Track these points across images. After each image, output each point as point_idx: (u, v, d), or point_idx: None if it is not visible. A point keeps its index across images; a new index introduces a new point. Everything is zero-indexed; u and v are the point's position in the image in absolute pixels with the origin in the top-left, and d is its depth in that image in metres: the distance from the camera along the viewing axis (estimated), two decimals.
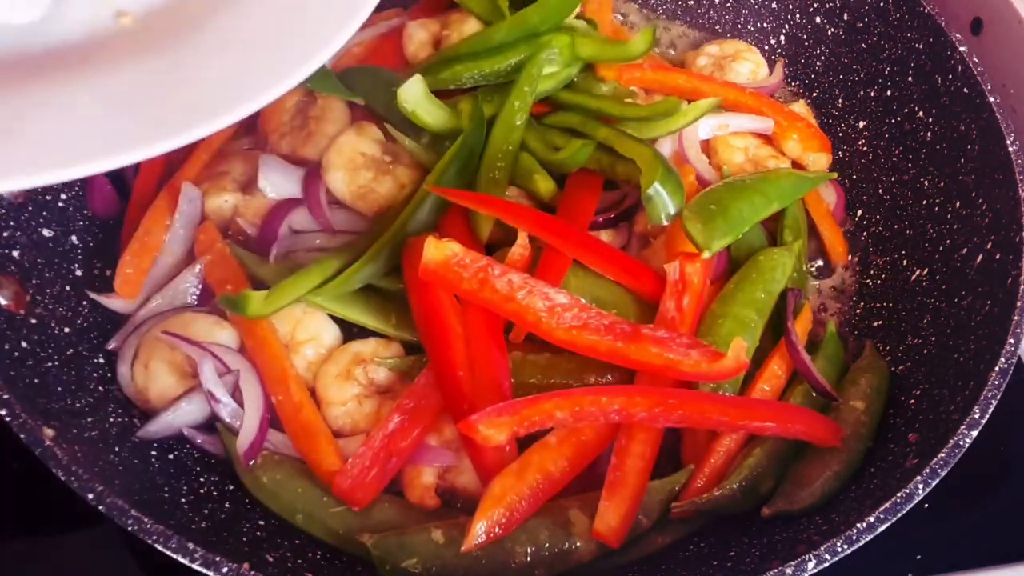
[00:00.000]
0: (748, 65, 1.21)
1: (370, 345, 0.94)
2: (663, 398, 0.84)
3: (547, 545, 0.82)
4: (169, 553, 0.71)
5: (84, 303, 0.95)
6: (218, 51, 0.72)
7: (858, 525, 0.74)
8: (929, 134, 1.09)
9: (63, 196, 0.98)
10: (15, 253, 0.89)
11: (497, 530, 0.80)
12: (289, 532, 0.84)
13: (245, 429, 0.88)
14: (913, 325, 1.01)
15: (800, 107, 1.21)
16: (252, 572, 0.70)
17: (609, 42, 1.09)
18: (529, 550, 0.81)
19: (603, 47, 1.07)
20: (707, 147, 1.13)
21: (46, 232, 0.94)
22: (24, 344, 0.84)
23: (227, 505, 0.85)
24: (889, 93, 1.15)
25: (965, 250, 0.98)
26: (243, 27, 0.74)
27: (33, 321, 0.87)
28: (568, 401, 0.82)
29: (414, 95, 0.98)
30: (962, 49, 1.04)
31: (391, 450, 0.84)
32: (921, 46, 1.10)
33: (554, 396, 0.82)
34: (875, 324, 1.06)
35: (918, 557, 0.97)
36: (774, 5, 1.29)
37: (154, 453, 0.87)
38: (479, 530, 0.79)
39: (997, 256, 0.93)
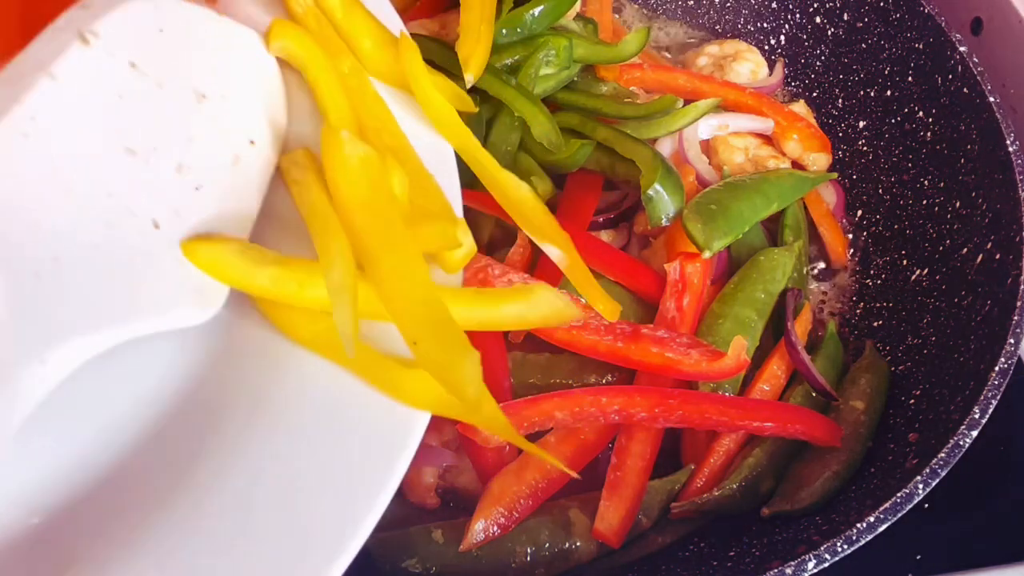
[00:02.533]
0: (748, 65, 1.21)
1: None
2: (663, 398, 0.84)
3: (547, 545, 0.82)
4: None
5: None
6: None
7: (858, 525, 0.74)
8: (929, 134, 1.09)
9: None
10: None
11: (496, 530, 0.80)
12: None
13: None
14: (913, 325, 1.01)
15: (800, 107, 1.21)
16: None
17: (601, 43, 1.09)
18: (529, 550, 0.81)
19: (595, 48, 1.07)
20: (707, 147, 1.13)
21: None
22: None
23: None
24: (889, 93, 1.15)
25: (965, 250, 0.98)
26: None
27: None
28: (568, 401, 0.82)
29: None
30: (962, 49, 1.04)
31: None
32: (921, 46, 1.10)
33: (554, 396, 0.82)
34: (875, 324, 1.06)
35: (918, 557, 0.97)
36: (774, 5, 1.29)
37: None
38: (477, 529, 0.79)
39: (997, 256, 0.93)
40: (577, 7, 1.11)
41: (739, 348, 0.84)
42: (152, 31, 0.68)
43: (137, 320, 0.61)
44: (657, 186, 0.91)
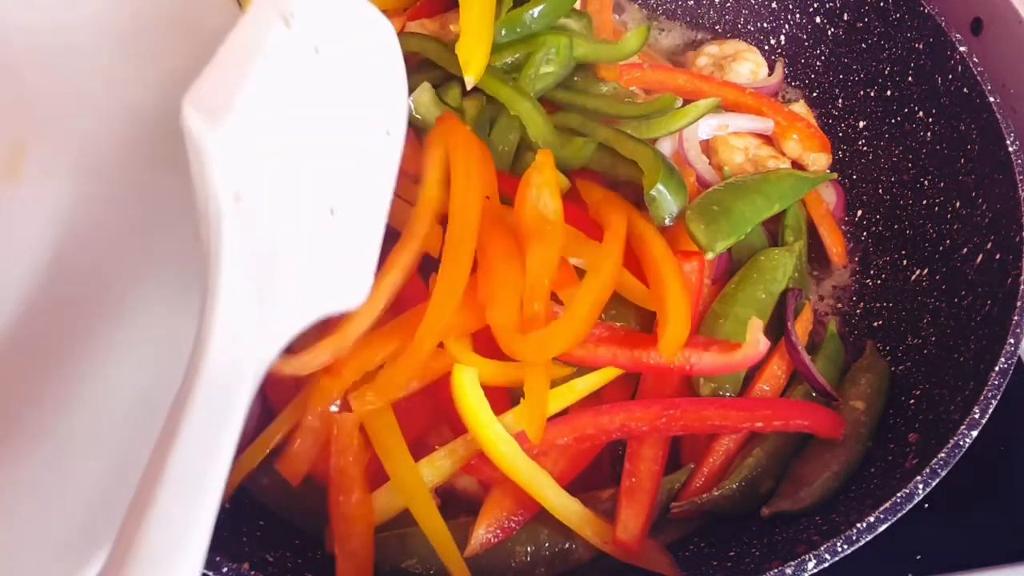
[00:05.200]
0: (748, 65, 1.21)
1: None
2: (664, 409, 0.84)
3: (547, 545, 0.82)
4: None
5: None
6: None
7: (858, 525, 0.74)
8: (929, 134, 1.09)
9: None
10: None
11: (500, 534, 0.80)
12: (289, 532, 0.84)
13: (244, 430, 0.87)
14: (913, 325, 1.01)
15: (800, 107, 1.20)
16: (252, 572, 0.70)
17: (601, 41, 1.09)
18: (529, 549, 0.81)
19: (596, 46, 1.07)
20: (707, 147, 1.13)
21: None
22: None
23: (227, 505, 0.85)
24: (889, 93, 1.15)
25: (965, 250, 0.98)
26: None
27: None
28: (569, 427, 0.83)
29: (425, 103, 0.98)
30: (962, 49, 1.04)
31: None
32: (921, 46, 1.10)
33: (556, 423, 0.82)
34: (875, 324, 1.06)
35: (918, 557, 0.97)
36: (774, 5, 1.29)
37: None
38: (480, 534, 0.79)
39: (997, 256, 0.93)
40: (577, 2, 1.11)
41: (756, 331, 0.83)
42: (325, 16, 0.69)
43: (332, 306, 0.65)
44: (660, 186, 0.91)
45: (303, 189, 0.64)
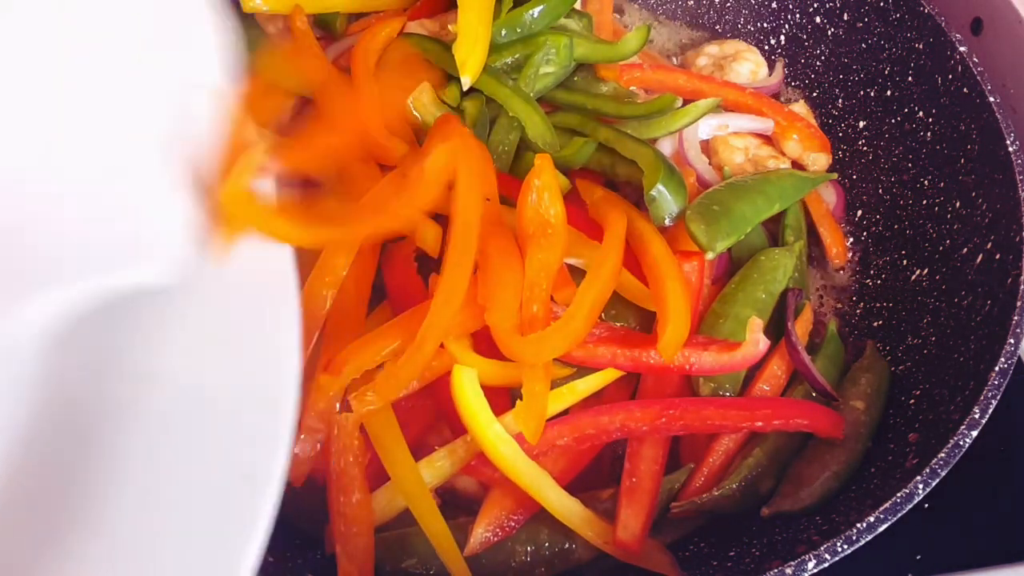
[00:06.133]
0: (748, 65, 1.21)
1: None
2: (664, 409, 0.84)
3: (547, 545, 0.82)
4: None
5: None
6: None
7: (858, 525, 0.74)
8: (929, 134, 1.09)
9: None
10: None
11: (500, 533, 0.80)
12: (289, 532, 0.84)
13: None
14: (913, 325, 1.01)
15: (800, 107, 1.21)
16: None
17: (602, 41, 1.09)
18: (529, 549, 0.81)
19: (596, 46, 1.07)
20: (707, 147, 1.13)
21: None
22: None
23: None
24: (889, 93, 1.15)
25: (965, 250, 0.98)
26: None
27: None
28: (569, 427, 0.83)
29: (424, 103, 0.98)
30: (962, 49, 1.04)
31: None
32: (921, 46, 1.10)
33: (555, 424, 0.83)
34: (875, 324, 1.06)
35: (918, 557, 0.97)
36: (774, 5, 1.29)
37: None
38: (480, 534, 0.79)
39: (997, 256, 0.93)
40: (577, 1, 1.11)
41: (756, 330, 0.83)
42: None
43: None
44: (660, 186, 0.91)
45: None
